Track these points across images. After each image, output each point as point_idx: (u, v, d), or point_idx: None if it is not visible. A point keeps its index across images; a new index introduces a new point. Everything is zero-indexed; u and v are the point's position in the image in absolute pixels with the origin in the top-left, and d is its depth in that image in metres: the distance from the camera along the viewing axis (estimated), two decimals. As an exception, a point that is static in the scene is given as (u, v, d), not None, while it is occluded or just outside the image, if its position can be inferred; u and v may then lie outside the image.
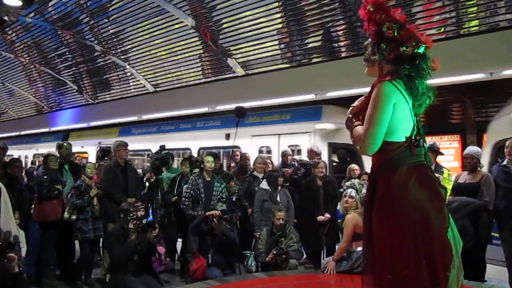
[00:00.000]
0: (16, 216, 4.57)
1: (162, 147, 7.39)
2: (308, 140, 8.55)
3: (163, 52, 10.88)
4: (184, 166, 6.83)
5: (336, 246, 6.05)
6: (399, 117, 2.30)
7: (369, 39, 2.47)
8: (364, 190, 5.67)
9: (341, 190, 6.06)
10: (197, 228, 5.60)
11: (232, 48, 9.57)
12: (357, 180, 6.20)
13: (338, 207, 5.91)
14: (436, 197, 2.30)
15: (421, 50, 2.32)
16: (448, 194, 5.16)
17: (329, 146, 8.39)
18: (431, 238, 2.23)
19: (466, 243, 4.57)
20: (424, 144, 2.41)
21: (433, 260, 2.22)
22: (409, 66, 2.32)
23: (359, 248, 4.82)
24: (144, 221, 4.92)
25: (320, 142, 8.39)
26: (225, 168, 8.11)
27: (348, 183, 6.17)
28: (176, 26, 9.74)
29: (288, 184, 6.64)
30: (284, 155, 7.49)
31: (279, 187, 6.23)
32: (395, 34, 2.31)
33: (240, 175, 7.03)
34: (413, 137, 2.33)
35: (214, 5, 8.68)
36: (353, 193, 5.34)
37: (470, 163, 5.07)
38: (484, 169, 5.47)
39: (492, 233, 5.06)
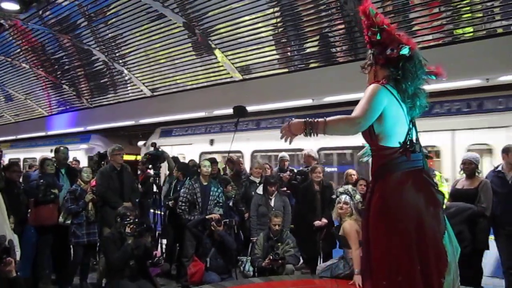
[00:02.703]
0: (11, 220, 4.55)
1: (153, 144, 7.41)
2: (80, 154, 13.80)
3: (161, 57, 10.89)
4: (175, 172, 6.85)
5: (333, 251, 6.05)
6: (393, 120, 2.31)
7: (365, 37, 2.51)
8: (358, 196, 5.64)
9: (333, 196, 5.92)
10: (195, 226, 5.61)
11: (229, 52, 9.59)
12: (350, 186, 6.01)
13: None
14: (431, 203, 2.30)
15: (405, 51, 2.34)
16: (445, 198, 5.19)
17: (88, 159, 11.84)
18: (425, 244, 2.23)
19: (463, 249, 4.58)
20: (421, 150, 2.42)
21: (428, 266, 2.22)
22: (394, 70, 2.36)
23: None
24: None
25: (83, 155, 13.89)
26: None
27: (341, 189, 5.95)
28: (174, 31, 9.76)
29: (285, 188, 6.64)
30: (281, 160, 7.51)
31: (275, 193, 6.22)
32: (378, 38, 2.36)
33: (235, 180, 7.04)
34: (407, 142, 2.34)
35: (211, 10, 8.70)
36: (348, 199, 5.21)
37: (468, 168, 5.06)
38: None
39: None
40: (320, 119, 2.24)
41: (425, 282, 2.21)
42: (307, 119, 2.24)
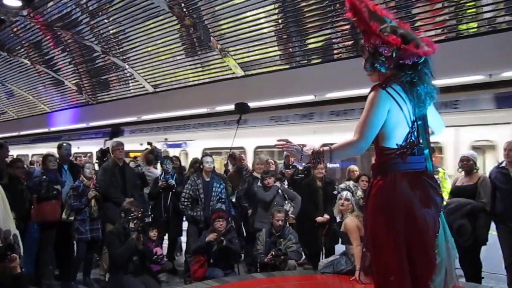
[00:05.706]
0: (13, 216, 4.55)
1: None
2: None
3: (163, 53, 10.89)
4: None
5: (335, 247, 6.06)
6: (393, 124, 2.30)
7: (364, 42, 2.39)
8: (359, 192, 5.63)
9: (335, 192, 5.88)
10: (198, 251, 5.49)
11: (231, 48, 9.58)
12: (351, 182, 5.99)
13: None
14: (425, 204, 2.29)
15: (421, 60, 2.28)
16: (447, 195, 5.20)
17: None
18: (414, 244, 2.24)
19: (463, 243, 4.62)
20: (424, 152, 2.37)
21: (415, 267, 2.23)
22: (410, 72, 2.29)
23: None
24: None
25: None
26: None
27: (342, 185, 5.92)
28: (176, 27, 9.76)
29: (288, 184, 6.65)
30: (286, 156, 7.53)
31: (272, 184, 6.22)
32: (393, 55, 2.27)
33: (237, 176, 7.04)
34: (407, 146, 2.32)
35: (213, 5, 8.69)
36: (349, 195, 5.20)
37: (466, 165, 5.11)
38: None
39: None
40: (325, 148, 2.31)
41: (414, 284, 2.22)
42: (314, 148, 2.33)
